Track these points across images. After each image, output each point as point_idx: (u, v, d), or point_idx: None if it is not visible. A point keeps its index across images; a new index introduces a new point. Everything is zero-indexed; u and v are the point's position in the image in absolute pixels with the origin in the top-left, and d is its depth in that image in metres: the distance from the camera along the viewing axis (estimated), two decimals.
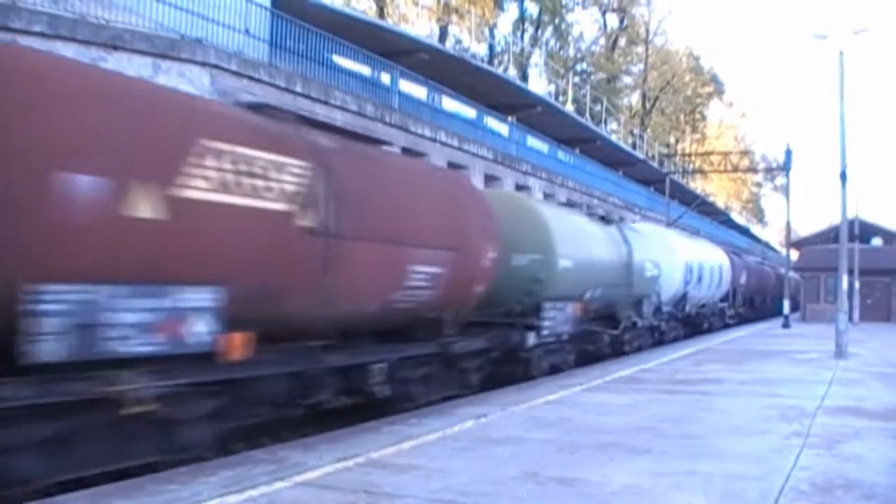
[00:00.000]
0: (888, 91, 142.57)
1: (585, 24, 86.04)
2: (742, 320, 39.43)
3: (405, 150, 25.57)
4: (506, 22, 62.62)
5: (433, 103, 30.22)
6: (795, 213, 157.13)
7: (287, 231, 8.53)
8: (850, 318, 25.66)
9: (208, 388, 7.98)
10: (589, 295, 16.77)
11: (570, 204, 35.30)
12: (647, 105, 76.32)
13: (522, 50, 58.70)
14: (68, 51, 15.72)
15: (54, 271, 6.33)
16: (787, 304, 38.08)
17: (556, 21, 64.55)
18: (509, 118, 37.82)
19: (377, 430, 9.34)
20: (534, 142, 39.37)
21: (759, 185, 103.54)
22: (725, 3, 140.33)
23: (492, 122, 35.27)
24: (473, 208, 12.75)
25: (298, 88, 21.07)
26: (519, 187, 33.13)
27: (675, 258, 24.64)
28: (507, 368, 14.36)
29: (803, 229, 77.96)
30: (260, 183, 8.13)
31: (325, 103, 22.06)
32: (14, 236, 6.13)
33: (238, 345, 7.99)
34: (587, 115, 53.11)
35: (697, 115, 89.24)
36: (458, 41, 52.10)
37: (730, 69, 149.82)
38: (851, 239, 30.94)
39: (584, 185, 41.97)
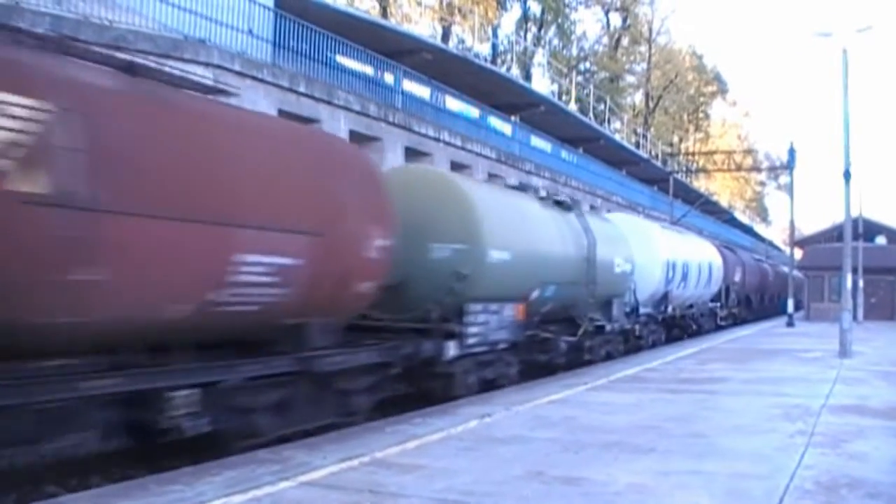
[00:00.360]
0: (892, 89, 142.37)
1: (588, 24, 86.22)
2: (737, 321, 37.15)
3: (408, 150, 25.59)
4: (509, 21, 62.71)
5: (436, 103, 30.21)
6: (799, 212, 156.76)
7: None
8: (854, 317, 25.42)
9: None
10: (536, 294, 14.27)
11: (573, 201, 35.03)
12: (651, 104, 76.27)
13: (525, 49, 58.69)
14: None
15: None
16: (791, 303, 38.08)
17: (559, 20, 64.55)
18: (512, 117, 37.81)
19: (381, 430, 9.34)
20: (537, 141, 39.36)
21: (762, 183, 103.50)
22: (729, 1, 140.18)
23: (495, 122, 35.27)
24: (353, 181, 10.08)
25: (302, 88, 21.08)
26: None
27: (655, 253, 22.27)
28: (429, 384, 12.06)
29: (807, 228, 77.89)
30: None
31: (329, 103, 22.06)
32: None
33: None
34: (590, 114, 53.07)
35: (701, 114, 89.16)
36: (462, 41, 52.10)
37: (733, 68, 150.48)
38: (855, 237, 30.89)
39: (588, 185, 41.94)
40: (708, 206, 65.05)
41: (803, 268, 47.15)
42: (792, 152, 41.98)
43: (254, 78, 19.31)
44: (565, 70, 59.35)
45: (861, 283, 38.81)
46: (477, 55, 43.59)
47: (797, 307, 40.41)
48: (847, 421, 10.40)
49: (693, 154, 71.79)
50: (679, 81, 79.11)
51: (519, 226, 13.92)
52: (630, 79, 76.05)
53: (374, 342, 10.85)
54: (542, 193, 16.88)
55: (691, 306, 27.60)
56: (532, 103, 39.67)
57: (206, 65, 17.98)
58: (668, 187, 48.25)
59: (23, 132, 6.09)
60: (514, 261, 13.02)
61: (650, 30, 74.17)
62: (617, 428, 9.67)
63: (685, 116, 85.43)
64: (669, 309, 23.93)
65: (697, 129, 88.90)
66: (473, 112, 33.21)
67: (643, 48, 74.43)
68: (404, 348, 11.17)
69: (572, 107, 50.17)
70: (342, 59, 25.13)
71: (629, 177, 53.30)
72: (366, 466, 7.44)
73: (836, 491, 6.70)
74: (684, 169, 62.77)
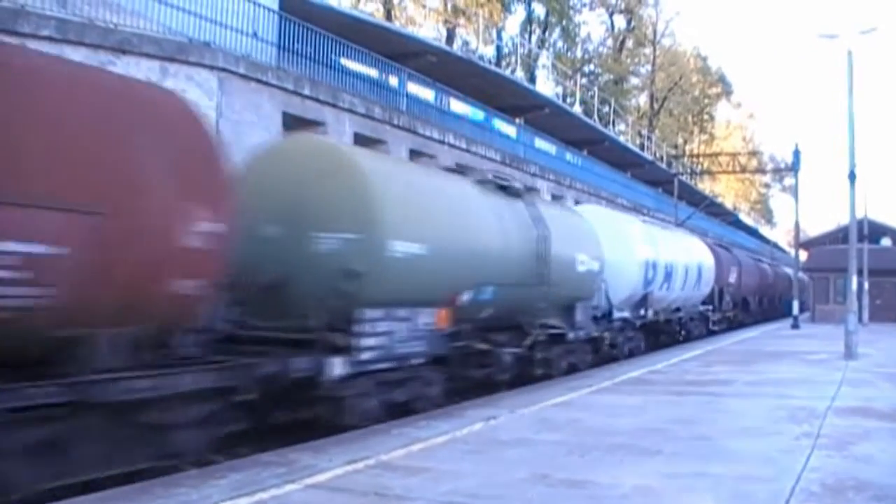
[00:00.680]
0: None
1: (593, 26, 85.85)
2: (732, 325, 34.62)
3: (413, 153, 25.59)
4: (513, 24, 62.69)
5: (441, 105, 30.22)
6: (804, 214, 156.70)
7: None
8: (860, 319, 25.34)
9: None
10: (468, 298, 11.84)
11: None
12: (655, 106, 76.19)
13: (530, 51, 58.68)
14: (77, 55, 15.80)
15: None
16: (796, 305, 38.03)
17: (564, 22, 64.51)
18: (517, 120, 37.81)
19: (387, 433, 9.34)
20: (542, 143, 39.34)
21: (767, 185, 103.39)
22: (733, 3, 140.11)
23: (499, 124, 35.27)
24: (162, 143, 7.58)
25: (306, 91, 21.09)
26: (527, 189, 33.06)
27: (631, 250, 19.75)
28: (314, 411, 9.95)
29: (812, 229, 78.00)
30: None
31: (334, 106, 22.08)
32: None
33: None
34: (595, 116, 53.06)
35: (705, 116, 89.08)
36: (466, 43, 52.06)
37: (738, 69, 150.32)
38: (860, 239, 30.83)
39: (593, 187, 41.92)
40: (713, 208, 65.04)
41: (808, 269, 47.06)
42: (797, 154, 41.96)
43: (258, 81, 19.32)
44: (570, 72, 59.32)
45: (866, 285, 38.74)
46: (481, 57, 43.61)
47: (801, 309, 40.25)
48: (853, 423, 10.38)
49: (698, 156, 71.79)
50: (684, 83, 79.04)
51: (442, 213, 11.58)
52: (634, 81, 76.02)
53: (222, 359, 8.42)
54: (488, 176, 14.44)
55: (678, 310, 25.14)
56: (537, 105, 39.66)
57: (211, 68, 18.01)
58: (672, 189, 48.21)
59: None
60: (431, 256, 10.81)
61: (654, 32, 74.14)
62: (622, 430, 9.66)
63: (690, 118, 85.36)
64: (650, 313, 21.29)
65: (702, 130, 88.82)
66: (478, 114, 33.21)
67: (647, 50, 74.37)
68: (262, 367, 8.73)
69: (577, 109, 50.16)
70: (346, 62, 25.15)
71: (634, 179, 53.25)
72: (371, 469, 7.45)
73: (842, 493, 6.69)
74: (689, 171, 62.70)
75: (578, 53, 67.27)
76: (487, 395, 12.67)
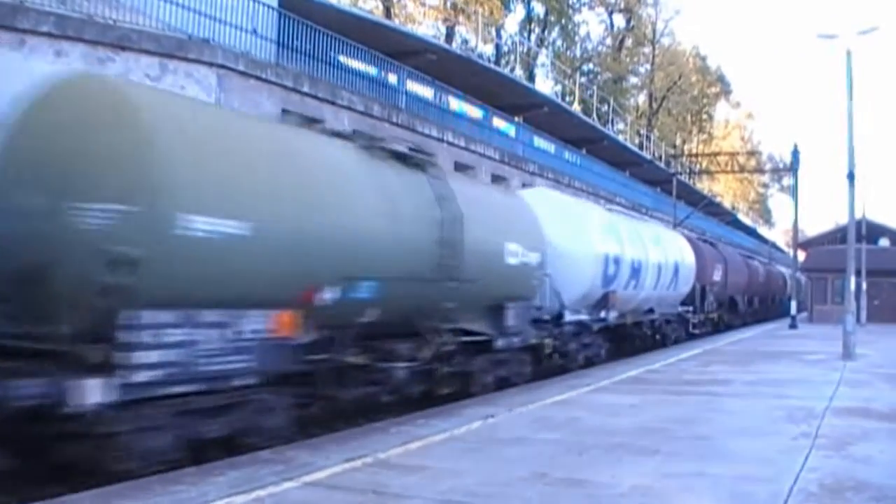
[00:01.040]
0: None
1: (592, 25, 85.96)
2: (717, 328, 31.74)
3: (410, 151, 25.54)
4: (512, 22, 62.67)
5: (440, 103, 30.20)
6: (802, 214, 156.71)
7: None
8: (858, 320, 25.27)
9: None
10: (331, 296, 9.06)
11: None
12: (654, 105, 76.20)
13: (529, 50, 58.69)
14: (76, 51, 15.78)
15: None
16: (794, 305, 38.07)
17: (563, 21, 64.51)
18: (516, 118, 37.79)
19: (385, 431, 9.33)
20: (540, 142, 39.33)
21: (765, 185, 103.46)
22: (732, 3, 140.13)
23: (498, 123, 35.25)
24: None
25: (305, 88, 21.08)
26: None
27: (587, 242, 16.96)
28: (62, 453, 7.22)
29: (810, 229, 77.98)
30: None
31: (332, 103, 22.06)
32: None
33: None
34: (594, 115, 53.05)
35: (704, 116, 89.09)
36: (465, 41, 52.05)
37: (737, 69, 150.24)
38: (859, 239, 30.81)
39: (591, 186, 41.90)
40: (711, 208, 65.05)
41: (806, 270, 47.09)
42: (796, 154, 41.99)
43: (258, 78, 19.31)
44: (569, 71, 59.33)
45: (864, 286, 38.77)
46: (481, 56, 43.60)
47: (798, 309, 40.23)
48: (851, 423, 10.38)
49: (696, 155, 71.79)
50: (683, 83, 79.05)
51: (284, 182, 8.63)
52: (634, 80, 76.02)
53: None
54: (383, 140, 11.90)
55: (651, 311, 22.40)
56: (536, 104, 39.64)
57: (210, 64, 17.99)
58: (671, 189, 48.21)
59: None
60: (259, 238, 8.07)
61: (654, 31, 74.13)
62: (621, 429, 9.66)
63: (689, 118, 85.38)
64: (612, 315, 18.45)
65: (701, 130, 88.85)
66: (477, 113, 33.18)
67: (647, 49, 74.37)
68: None
69: (576, 108, 50.15)
70: (346, 60, 25.14)
71: (632, 178, 53.26)
72: (369, 467, 7.43)
73: (840, 494, 6.68)
74: (687, 170, 62.73)
75: (578, 52, 67.29)
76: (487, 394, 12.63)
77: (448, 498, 6.42)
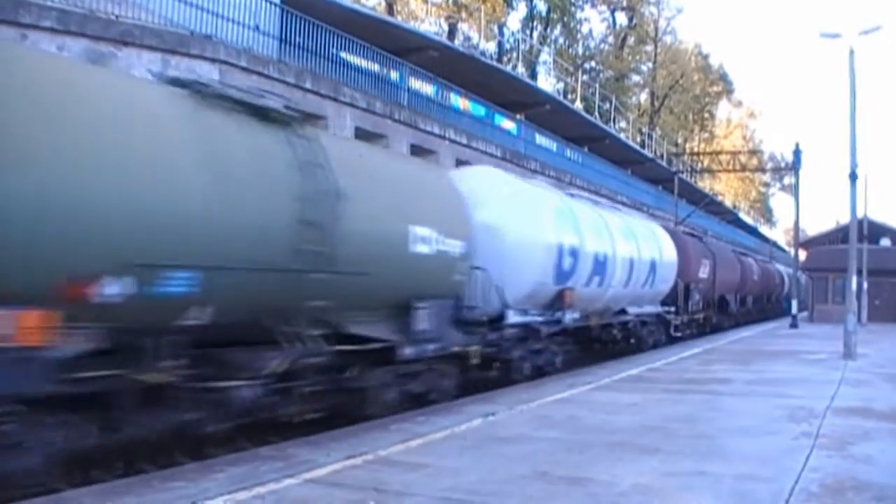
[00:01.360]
0: None
1: (594, 22, 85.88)
2: (704, 331, 29.04)
3: (414, 147, 25.56)
4: (515, 20, 62.62)
5: (442, 100, 30.17)
6: (803, 213, 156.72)
7: None
8: (859, 319, 25.22)
9: None
10: (118, 290, 6.77)
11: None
12: (656, 104, 76.12)
13: (531, 47, 58.59)
14: (78, 46, 15.77)
15: None
16: (795, 304, 38.06)
17: (566, 19, 64.44)
18: (518, 116, 37.75)
19: (385, 428, 9.34)
20: (542, 140, 39.29)
21: (767, 184, 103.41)
22: (735, 1, 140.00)
23: (500, 120, 35.21)
24: None
25: (308, 85, 21.05)
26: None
27: (535, 231, 14.44)
28: None
29: (811, 229, 78.02)
30: None
31: (335, 100, 22.04)
32: None
33: None
34: (596, 113, 52.99)
35: (706, 114, 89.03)
36: (468, 38, 52.00)
37: (739, 67, 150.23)
38: (860, 239, 30.77)
39: (593, 184, 41.87)
40: (713, 207, 65.04)
41: (807, 269, 47.07)
42: (798, 153, 41.97)
43: (260, 74, 19.28)
44: (571, 69, 59.26)
45: (865, 285, 38.75)
46: (483, 53, 43.56)
47: (799, 308, 40.16)
48: (852, 423, 10.37)
49: (698, 154, 71.75)
50: (685, 81, 78.96)
51: (35, 133, 6.37)
52: (636, 78, 75.86)
53: None
54: (224, 90, 8.97)
55: (623, 311, 19.91)
56: (538, 102, 39.59)
57: (213, 60, 17.97)
58: (673, 187, 48.17)
59: None
60: None
61: (656, 29, 74.01)
62: (621, 428, 9.66)
63: (690, 116, 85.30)
64: (569, 317, 15.88)
65: (703, 129, 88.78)
66: (479, 110, 33.16)
67: (649, 48, 74.26)
68: None
69: (578, 106, 50.09)
70: (348, 56, 25.12)
71: (634, 176, 53.22)
72: (370, 464, 7.44)
73: (842, 494, 6.68)
74: (689, 169, 62.69)
75: (580, 50, 67.18)
76: (485, 392, 12.60)
77: (449, 496, 6.42)
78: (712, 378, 15.50)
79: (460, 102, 31.41)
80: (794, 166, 43.31)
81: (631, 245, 19.44)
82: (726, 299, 33.65)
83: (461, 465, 7.48)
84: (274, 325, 8.57)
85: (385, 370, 10.53)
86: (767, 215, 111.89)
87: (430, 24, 50.07)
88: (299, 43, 22.33)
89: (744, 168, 59.87)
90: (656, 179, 56.21)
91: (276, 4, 21.73)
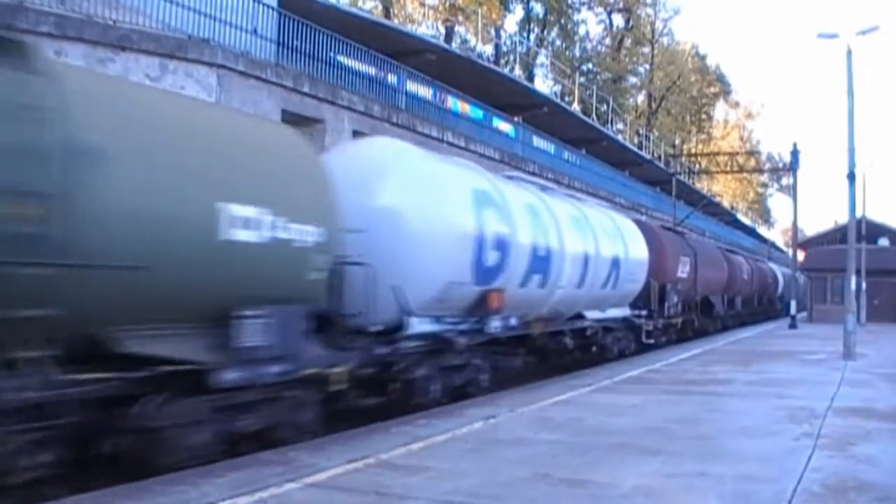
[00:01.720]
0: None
1: (591, 24, 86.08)
2: (682, 337, 25.68)
3: None
4: (512, 22, 62.67)
5: (440, 103, 30.17)
6: (801, 213, 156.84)
7: None
8: (858, 319, 25.18)
9: None
10: None
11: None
12: (653, 105, 76.19)
13: (528, 50, 58.66)
14: (76, 51, 15.76)
15: None
16: (793, 305, 38.06)
17: (562, 21, 64.50)
18: (515, 118, 37.77)
19: (386, 431, 9.32)
20: (540, 142, 39.29)
21: (764, 185, 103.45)
22: (732, 2, 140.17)
23: (498, 123, 35.21)
24: None
25: (306, 89, 21.05)
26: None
27: (443, 216, 11.47)
28: None
29: (809, 229, 78.12)
30: None
31: (333, 103, 22.04)
32: None
33: None
34: (593, 115, 53.04)
35: (703, 116, 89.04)
36: (465, 41, 52.06)
37: (736, 68, 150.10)
38: (858, 239, 30.80)
39: (591, 186, 41.88)
40: (711, 208, 65.07)
41: (806, 269, 47.09)
42: (795, 153, 41.99)
43: (258, 78, 19.28)
44: (568, 71, 59.30)
45: (864, 286, 38.76)
46: (480, 56, 43.58)
47: (798, 309, 40.08)
48: (853, 423, 10.36)
49: (696, 155, 71.82)
50: (682, 82, 79.00)
51: None
52: (633, 80, 75.94)
53: None
54: None
55: (579, 317, 17.21)
56: (535, 104, 39.62)
57: (210, 64, 17.96)
58: (671, 189, 48.20)
59: None
60: None
61: (653, 31, 74.09)
62: (622, 429, 9.64)
63: (688, 117, 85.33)
64: (496, 324, 13.05)
65: (700, 130, 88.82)
66: (477, 112, 33.16)
67: (646, 49, 74.32)
68: None
69: (575, 108, 50.13)
70: (346, 60, 25.11)
71: (632, 178, 53.25)
72: (371, 468, 7.42)
73: (844, 494, 6.67)
74: (687, 170, 62.74)
75: (577, 52, 67.27)
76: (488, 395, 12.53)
77: (450, 499, 6.41)
78: (712, 379, 15.50)
79: (460, 105, 31.42)
80: (792, 167, 43.33)
81: (586, 238, 16.58)
82: (711, 301, 30.89)
83: (463, 468, 7.46)
84: None
85: (195, 403, 7.73)
86: (766, 216, 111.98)
87: (426, 28, 50.20)
88: (297, 47, 22.33)
89: (741, 169, 59.90)
90: (654, 181, 56.26)
91: (273, 8, 21.73)
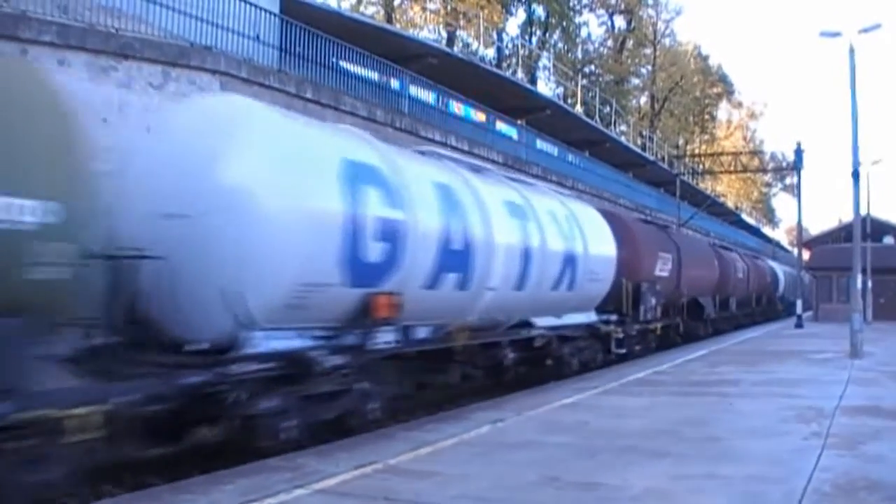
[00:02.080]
0: None
1: (593, 27, 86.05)
2: (662, 344, 22.49)
3: None
4: (513, 25, 62.67)
5: (442, 107, 30.17)
6: (805, 212, 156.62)
7: None
8: (864, 318, 25.14)
9: None
10: None
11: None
12: (656, 106, 76.15)
13: (530, 53, 58.63)
14: (79, 60, 15.78)
15: None
16: (799, 304, 37.99)
17: (564, 23, 64.47)
18: (518, 121, 37.76)
19: (393, 437, 9.31)
20: (543, 145, 39.27)
21: (768, 185, 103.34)
22: (733, 2, 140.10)
23: (501, 126, 35.20)
24: None
25: (309, 94, 21.06)
26: None
27: (300, 194, 8.85)
28: None
29: (813, 228, 77.94)
30: None
31: (336, 109, 22.04)
32: None
33: None
34: (596, 117, 53.03)
35: (706, 116, 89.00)
36: (467, 45, 52.06)
37: (739, 68, 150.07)
38: (863, 237, 30.74)
39: (595, 188, 41.85)
40: (715, 208, 65.00)
41: (811, 268, 46.99)
42: (799, 153, 41.91)
43: (261, 84, 19.28)
44: (570, 73, 59.29)
45: (869, 284, 38.67)
46: (482, 59, 43.63)
47: (803, 308, 39.94)
48: (862, 422, 10.33)
49: (699, 156, 71.76)
50: (684, 83, 78.94)
51: None
52: (635, 81, 75.91)
53: None
54: None
55: (526, 324, 14.35)
56: (538, 107, 39.64)
57: (213, 72, 17.97)
58: (675, 190, 48.14)
59: None
60: None
61: (655, 32, 74.07)
62: (630, 432, 9.62)
63: (691, 118, 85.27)
64: (385, 338, 10.21)
65: (703, 130, 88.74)
66: (480, 116, 33.16)
67: (648, 50, 74.30)
68: None
69: (578, 110, 50.13)
70: (348, 65, 25.13)
71: (636, 179, 53.21)
72: (379, 473, 7.41)
73: (854, 494, 6.64)
74: (691, 171, 62.68)
75: (579, 54, 67.21)
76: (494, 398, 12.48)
77: (459, 503, 6.40)
78: (719, 380, 15.47)
79: (467, 111, 31.43)
80: (796, 166, 43.24)
81: (526, 229, 13.74)
82: (700, 303, 27.57)
83: (471, 472, 7.45)
84: None
85: None
86: (770, 215, 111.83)
87: (428, 32, 50.23)
88: (299, 53, 22.35)
89: (745, 169, 59.92)
90: (658, 182, 56.22)
91: (275, 15, 21.75)
